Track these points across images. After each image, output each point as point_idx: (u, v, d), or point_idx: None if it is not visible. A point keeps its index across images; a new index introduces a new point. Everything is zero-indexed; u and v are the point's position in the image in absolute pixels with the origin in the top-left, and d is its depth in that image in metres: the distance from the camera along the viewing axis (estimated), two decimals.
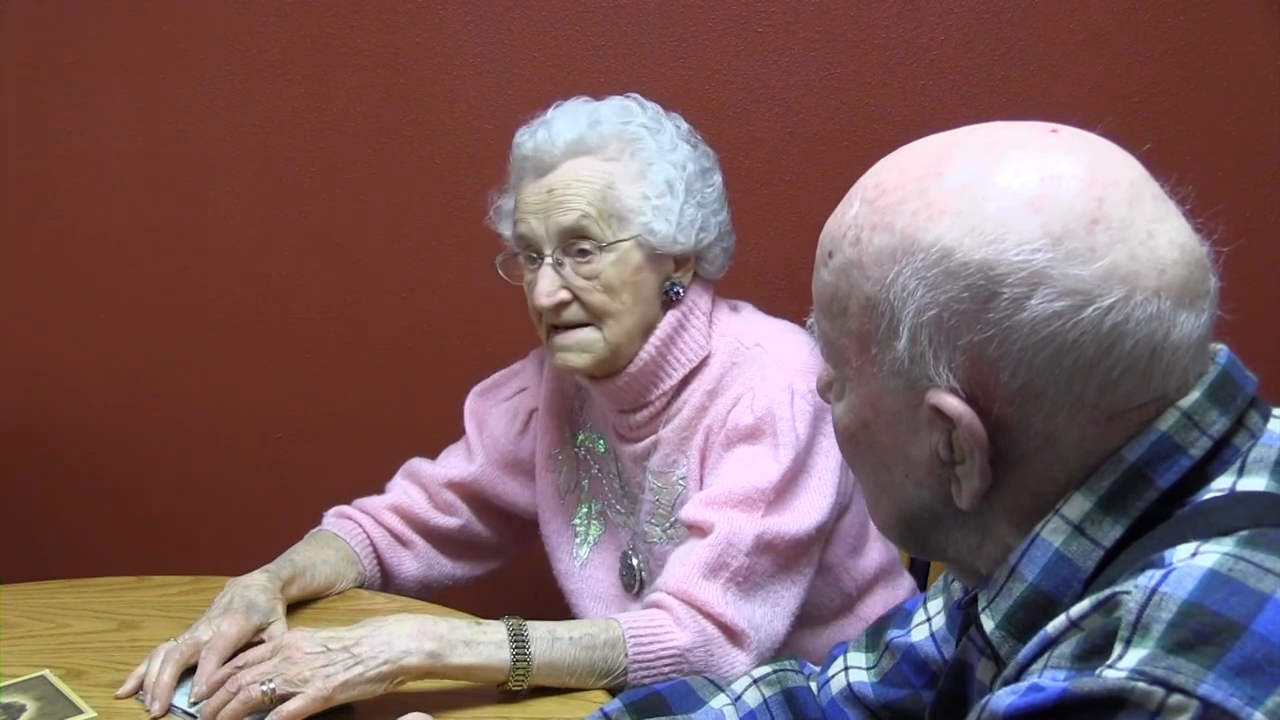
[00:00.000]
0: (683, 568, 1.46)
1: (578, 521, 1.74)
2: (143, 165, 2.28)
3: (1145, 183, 0.82)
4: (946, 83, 2.13)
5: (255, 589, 1.49)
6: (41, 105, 2.27)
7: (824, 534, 1.54)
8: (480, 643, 1.35)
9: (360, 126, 2.24)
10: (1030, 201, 0.78)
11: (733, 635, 1.44)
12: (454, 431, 1.79)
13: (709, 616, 1.43)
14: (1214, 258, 0.83)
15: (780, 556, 1.48)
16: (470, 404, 1.78)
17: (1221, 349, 0.84)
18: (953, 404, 0.80)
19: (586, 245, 1.53)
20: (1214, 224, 0.84)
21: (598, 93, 1.64)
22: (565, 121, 1.56)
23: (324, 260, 2.30)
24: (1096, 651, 0.72)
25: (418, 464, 1.79)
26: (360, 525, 1.72)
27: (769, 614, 1.47)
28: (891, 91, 2.15)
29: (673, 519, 1.58)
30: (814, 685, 1.24)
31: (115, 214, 2.30)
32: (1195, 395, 0.80)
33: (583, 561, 1.72)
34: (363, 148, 2.25)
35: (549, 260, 1.54)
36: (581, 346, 1.56)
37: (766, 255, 2.13)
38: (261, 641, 1.44)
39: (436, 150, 2.24)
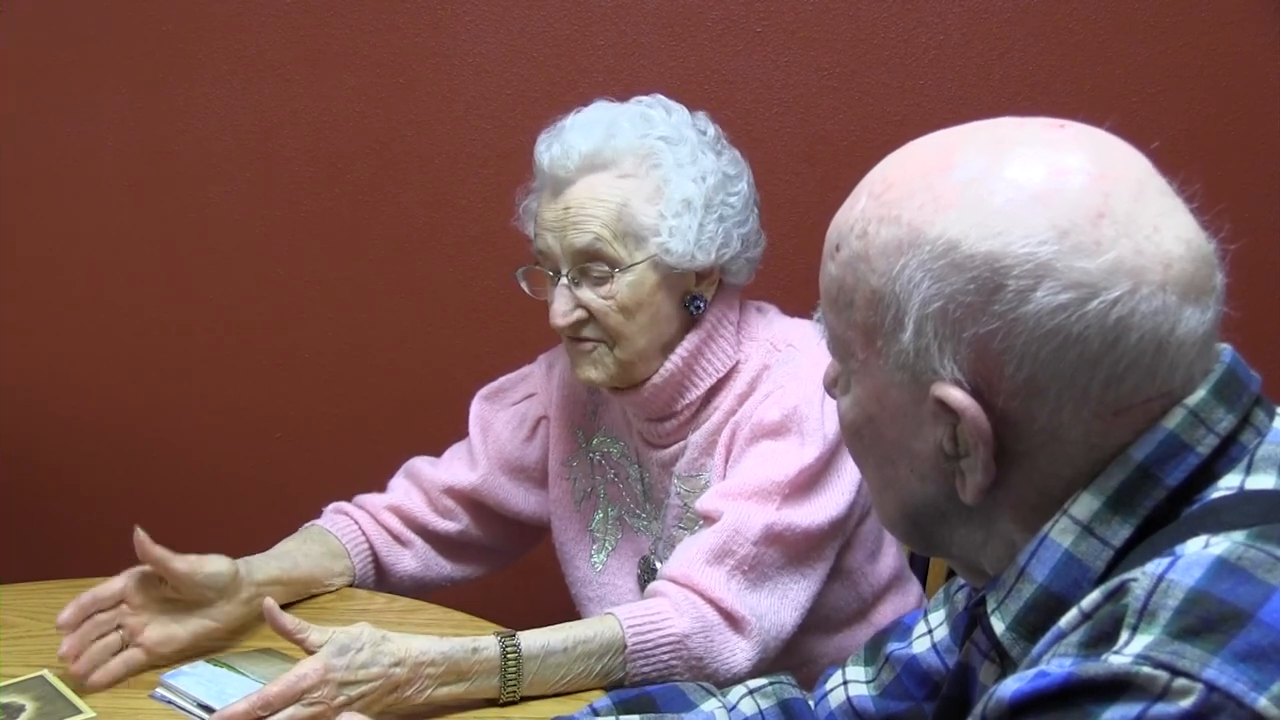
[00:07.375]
0: (686, 554, 1.45)
1: (595, 528, 1.72)
2: (142, 165, 2.28)
3: (1151, 178, 0.82)
4: (946, 82, 2.14)
5: (212, 557, 1.46)
6: (41, 105, 2.27)
7: (840, 532, 1.53)
8: (473, 672, 1.33)
9: (360, 126, 2.24)
10: (1037, 195, 0.78)
11: (733, 621, 1.42)
12: (454, 432, 1.78)
13: (709, 602, 1.42)
14: (1220, 255, 0.83)
15: (790, 548, 1.47)
16: (476, 408, 1.75)
17: (1225, 348, 0.84)
18: (957, 397, 0.80)
19: (601, 267, 1.51)
20: (1219, 222, 0.84)
21: (599, 92, 1.62)
22: (580, 134, 1.51)
23: (323, 260, 2.30)
24: (1103, 638, 0.72)
25: (419, 465, 1.75)
26: (356, 521, 1.69)
27: (775, 605, 1.46)
28: (891, 91, 2.15)
29: (699, 521, 1.55)
30: (811, 701, 1.23)
31: (115, 214, 2.30)
32: (1201, 393, 0.80)
33: (601, 568, 1.71)
34: (363, 148, 2.25)
35: (564, 280, 1.52)
36: (593, 361, 1.55)
37: (765, 254, 2.13)
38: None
39: (436, 150, 2.24)
